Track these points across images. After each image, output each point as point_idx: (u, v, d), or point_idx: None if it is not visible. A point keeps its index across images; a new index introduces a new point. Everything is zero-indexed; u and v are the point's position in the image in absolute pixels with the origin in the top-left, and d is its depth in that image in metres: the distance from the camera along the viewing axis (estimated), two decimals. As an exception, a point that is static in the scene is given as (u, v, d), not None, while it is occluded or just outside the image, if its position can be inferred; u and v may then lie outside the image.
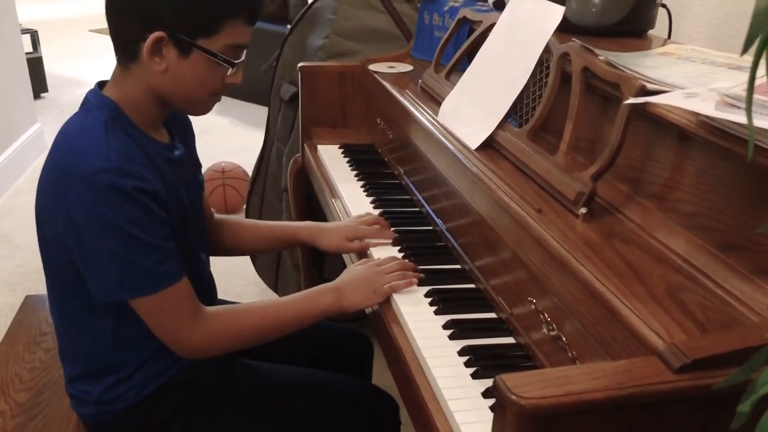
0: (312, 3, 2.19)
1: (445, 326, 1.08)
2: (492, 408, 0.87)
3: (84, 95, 1.08)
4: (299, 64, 1.89)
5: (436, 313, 1.12)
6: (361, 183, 1.63)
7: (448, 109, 1.43)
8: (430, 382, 0.98)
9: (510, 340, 1.07)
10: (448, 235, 1.34)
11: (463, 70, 1.44)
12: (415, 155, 1.53)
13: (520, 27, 1.32)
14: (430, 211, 1.45)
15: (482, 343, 1.05)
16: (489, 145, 1.28)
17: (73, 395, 1.16)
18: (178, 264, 1.03)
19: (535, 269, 1.00)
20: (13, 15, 3.54)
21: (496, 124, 1.27)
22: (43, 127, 3.79)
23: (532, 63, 1.24)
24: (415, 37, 1.94)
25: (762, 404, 0.47)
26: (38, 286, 2.51)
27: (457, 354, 1.02)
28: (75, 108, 1.07)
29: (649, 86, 1.00)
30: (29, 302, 1.60)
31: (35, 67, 4.35)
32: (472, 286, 1.21)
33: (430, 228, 1.42)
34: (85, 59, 5.72)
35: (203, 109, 1.11)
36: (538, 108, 1.20)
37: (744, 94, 0.67)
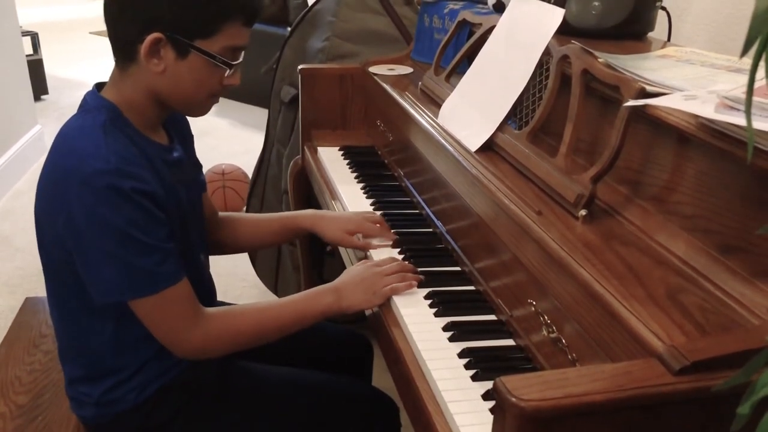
0: (312, 5, 2.19)
1: (445, 328, 1.08)
2: (492, 410, 0.87)
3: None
4: (299, 67, 1.89)
5: (436, 315, 1.12)
6: (361, 185, 1.63)
7: (448, 111, 1.43)
8: (429, 384, 0.98)
9: (510, 342, 1.07)
10: (448, 237, 1.34)
11: (463, 73, 1.44)
12: (415, 157, 1.53)
13: (519, 29, 1.32)
14: (430, 213, 1.45)
15: (482, 345, 1.05)
16: (489, 148, 1.28)
17: (73, 397, 1.15)
18: (178, 265, 1.03)
19: (534, 271, 1.00)
20: (14, 17, 3.54)
21: (496, 126, 1.27)
22: (43, 129, 3.79)
23: (531, 65, 1.24)
24: (415, 39, 1.95)
25: (762, 406, 0.47)
26: (38, 288, 2.51)
27: (456, 356, 1.02)
28: (75, 110, 1.08)
29: (649, 88, 1.00)
30: (29, 304, 1.60)
31: (35, 69, 4.36)
32: (472, 288, 1.21)
33: (430, 230, 1.42)
34: (85, 61, 5.73)
35: (201, 110, 1.11)
36: (538, 110, 1.20)
37: (743, 96, 0.67)
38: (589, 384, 0.69)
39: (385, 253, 1.31)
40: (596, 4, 1.36)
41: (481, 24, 1.50)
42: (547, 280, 0.96)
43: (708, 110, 0.83)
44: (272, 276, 2.39)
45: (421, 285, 1.20)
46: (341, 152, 1.83)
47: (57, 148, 1.03)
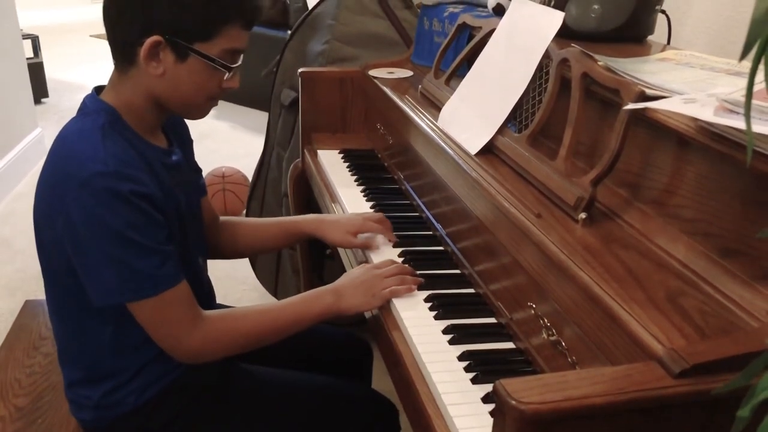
0: (312, 9, 2.20)
1: (445, 331, 1.08)
2: (492, 413, 0.87)
3: (83, 100, 1.08)
4: (299, 70, 1.90)
5: (436, 318, 1.12)
6: (361, 188, 1.63)
7: (448, 114, 1.44)
8: (429, 387, 0.98)
9: (510, 345, 1.07)
10: (448, 239, 1.34)
11: (463, 76, 1.45)
12: (415, 160, 1.53)
13: (519, 33, 1.32)
14: (430, 216, 1.45)
15: (482, 348, 1.05)
16: (489, 151, 1.28)
17: (73, 400, 1.15)
18: (177, 268, 1.03)
19: (534, 274, 1.00)
20: (14, 20, 3.55)
21: (496, 129, 1.27)
22: (43, 132, 3.79)
23: (531, 68, 1.24)
24: (415, 42, 1.95)
25: (762, 409, 0.47)
26: (38, 291, 2.50)
27: (456, 359, 1.02)
28: (75, 113, 1.08)
29: (649, 92, 1.00)
30: (29, 307, 1.59)
31: (36, 72, 4.36)
32: (472, 290, 1.21)
33: (430, 233, 1.42)
34: (85, 64, 5.73)
35: (200, 113, 1.11)
36: (538, 113, 1.20)
37: (743, 99, 0.67)
38: (589, 387, 0.69)
39: (386, 255, 1.31)
40: (596, 7, 1.36)
41: (480, 27, 1.50)
42: (547, 283, 0.96)
43: (707, 113, 0.84)
44: (272, 279, 2.39)
45: (421, 288, 1.20)
46: (341, 155, 1.83)
47: (56, 151, 1.03)
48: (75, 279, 1.02)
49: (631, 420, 0.70)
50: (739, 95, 0.84)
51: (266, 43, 3.73)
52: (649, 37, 1.45)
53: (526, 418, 0.66)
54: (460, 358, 1.02)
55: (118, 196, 0.95)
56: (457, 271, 1.27)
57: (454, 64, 1.55)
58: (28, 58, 3.83)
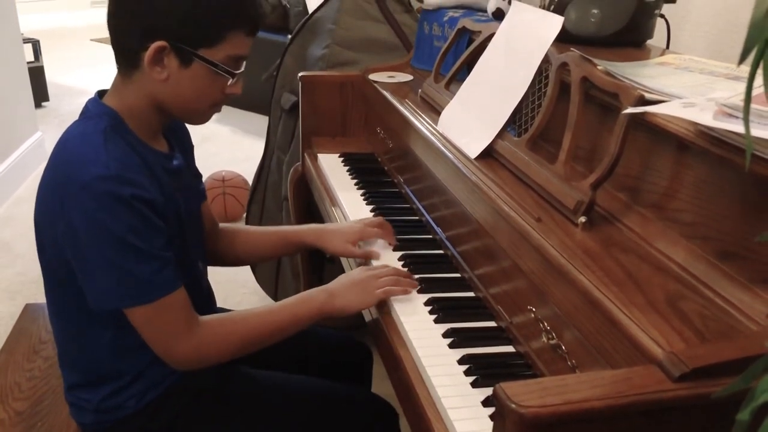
0: (312, 13, 2.20)
1: (445, 335, 1.08)
2: (492, 417, 0.87)
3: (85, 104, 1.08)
4: (300, 74, 1.90)
5: (436, 321, 1.12)
6: (361, 192, 1.63)
7: (448, 118, 1.44)
8: (429, 390, 0.98)
9: (510, 348, 1.07)
10: (448, 243, 1.35)
11: (463, 80, 1.45)
12: (415, 164, 1.53)
13: (519, 37, 1.32)
14: (430, 220, 1.45)
15: (482, 351, 1.05)
16: (488, 154, 1.28)
17: (73, 403, 1.15)
18: (176, 273, 1.03)
19: (534, 278, 1.00)
20: (15, 24, 3.55)
21: (496, 133, 1.27)
22: (43, 136, 3.80)
23: (531, 73, 1.24)
24: (415, 46, 1.95)
25: (762, 412, 0.47)
26: (38, 294, 2.50)
27: (456, 363, 1.02)
28: (76, 117, 1.08)
29: (648, 96, 1.00)
30: (29, 311, 1.59)
31: (36, 76, 4.37)
32: (472, 294, 1.21)
33: (430, 236, 1.42)
34: (86, 68, 5.74)
35: (202, 118, 1.11)
36: (537, 117, 1.20)
37: (742, 103, 0.67)
38: (589, 390, 0.69)
39: (386, 258, 1.31)
40: (595, 11, 1.37)
41: (480, 31, 1.50)
42: (547, 286, 0.97)
43: (706, 118, 0.84)
44: (272, 283, 2.39)
45: (420, 291, 1.20)
46: (341, 159, 1.83)
47: (57, 155, 1.03)
48: (75, 282, 1.02)
49: (631, 424, 0.70)
50: (738, 99, 0.84)
51: (266, 48, 3.73)
52: (648, 42, 1.46)
53: (526, 421, 0.66)
54: (460, 361, 1.02)
55: (119, 200, 0.95)
56: (457, 275, 1.27)
57: (453, 69, 1.55)
58: (28, 62, 3.84)
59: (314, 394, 1.24)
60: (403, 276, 1.21)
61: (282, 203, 2.24)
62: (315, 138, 1.93)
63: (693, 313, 0.81)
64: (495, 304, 1.14)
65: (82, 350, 1.11)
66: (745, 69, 0.81)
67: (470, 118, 1.37)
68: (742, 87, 0.99)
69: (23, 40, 3.80)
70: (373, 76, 1.86)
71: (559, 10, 1.37)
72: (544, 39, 1.23)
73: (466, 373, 1.00)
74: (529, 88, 1.25)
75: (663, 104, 0.95)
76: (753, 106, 0.80)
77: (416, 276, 1.24)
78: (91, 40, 6.89)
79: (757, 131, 0.77)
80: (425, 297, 1.18)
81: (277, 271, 2.36)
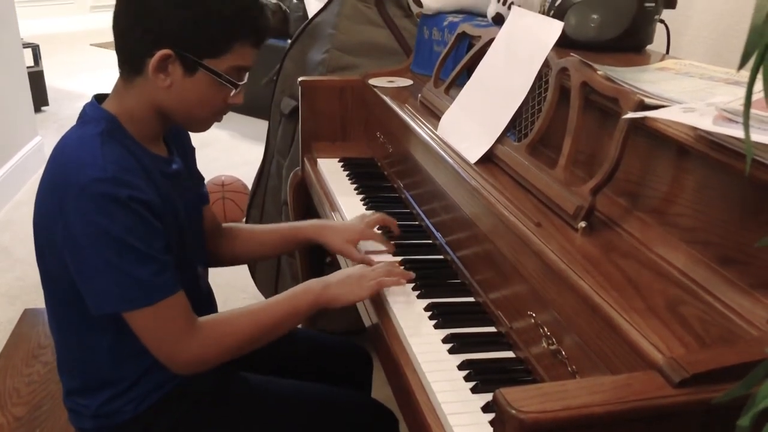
0: (312, 18, 2.20)
1: (445, 340, 1.08)
2: (492, 422, 0.87)
3: (83, 109, 1.08)
4: (299, 79, 1.90)
5: (436, 326, 1.12)
6: (361, 196, 1.63)
7: (448, 123, 1.44)
8: (429, 396, 0.98)
9: (510, 354, 1.07)
10: (448, 248, 1.34)
11: (463, 85, 1.45)
12: (415, 169, 1.53)
13: (519, 42, 1.32)
14: (430, 225, 1.45)
15: (482, 357, 1.04)
16: (488, 159, 1.28)
17: (72, 409, 1.15)
18: (174, 277, 1.03)
19: (534, 283, 1.00)
20: (15, 29, 3.56)
21: (495, 138, 1.27)
22: (43, 141, 3.80)
23: (531, 78, 1.24)
24: (415, 51, 1.96)
25: (762, 418, 0.47)
26: (37, 299, 2.50)
27: (456, 368, 1.02)
28: (75, 121, 1.08)
29: (648, 101, 1.00)
30: (28, 315, 1.59)
31: (36, 80, 4.37)
32: (472, 299, 1.21)
33: (430, 241, 1.42)
34: (85, 73, 5.74)
35: (203, 126, 1.12)
36: (537, 122, 1.20)
37: (742, 108, 0.67)
38: (589, 396, 0.69)
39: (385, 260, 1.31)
40: (595, 17, 1.37)
41: (480, 36, 1.50)
42: (547, 292, 0.96)
43: (706, 123, 0.84)
44: (272, 287, 2.38)
45: (420, 296, 1.20)
46: (341, 164, 1.83)
47: (55, 159, 1.03)
48: (74, 287, 1.02)
49: (631, 429, 0.70)
50: (738, 104, 0.84)
51: (266, 52, 3.74)
52: (648, 47, 1.46)
53: (526, 427, 0.66)
54: (460, 367, 1.02)
55: (116, 202, 0.95)
56: (457, 280, 1.27)
57: (453, 73, 1.55)
58: (28, 67, 3.84)
59: (314, 400, 1.24)
60: (396, 269, 1.21)
61: (281, 208, 2.24)
62: (315, 142, 1.93)
63: (693, 319, 0.81)
64: (495, 309, 1.14)
65: (81, 355, 1.11)
66: (745, 74, 0.81)
67: (470, 123, 1.37)
68: (742, 92, 0.99)
69: (23, 44, 3.81)
70: (372, 81, 1.86)
71: (558, 15, 1.37)
72: (544, 44, 1.23)
73: (466, 378, 0.99)
74: (529, 93, 1.25)
75: (663, 109, 0.95)
76: (753, 111, 0.80)
77: (416, 281, 1.24)
78: (91, 44, 6.90)
79: (757, 136, 0.77)
80: (425, 302, 1.18)
81: (276, 275, 2.36)
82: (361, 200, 1.61)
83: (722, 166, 0.86)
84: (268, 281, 2.41)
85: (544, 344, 0.97)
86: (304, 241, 1.40)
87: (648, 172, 1.03)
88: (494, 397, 0.69)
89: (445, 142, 1.40)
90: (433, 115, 1.53)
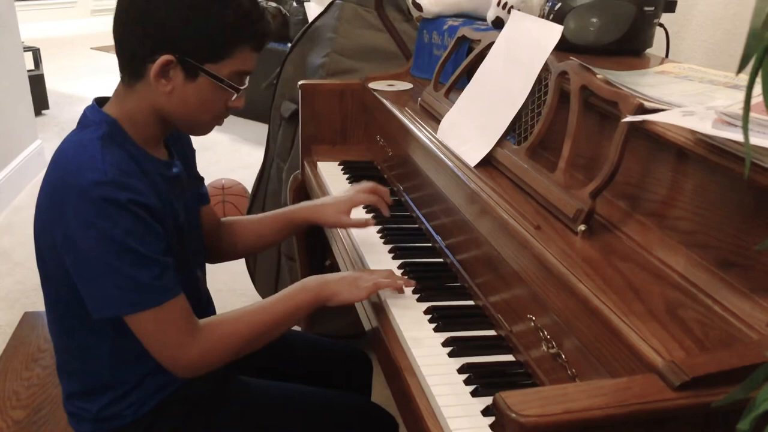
0: (312, 21, 2.21)
1: (445, 344, 1.08)
2: (492, 426, 0.87)
3: (84, 112, 1.08)
4: (300, 82, 1.90)
5: (436, 330, 1.12)
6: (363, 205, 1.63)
7: (447, 126, 1.44)
8: (429, 399, 0.98)
9: (509, 357, 1.07)
10: (448, 251, 1.34)
11: (462, 89, 1.45)
12: (415, 172, 1.54)
13: (518, 46, 1.33)
14: (430, 228, 1.45)
15: (482, 360, 1.04)
16: (488, 163, 1.28)
17: (71, 412, 1.15)
18: (175, 280, 1.03)
19: (534, 286, 1.00)
20: (16, 32, 3.56)
21: (495, 141, 1.28)
22: (43, 144, 3.80)
23: (530, 81, 1.24)
24: (415, 55, 1.96)
25: (762, 421, 0.47)
26: (37, 303, 2.50)
27: (456, 372, 1.02)
28: (76, 125, 1.08)
29: (647, 104, 1.00)
30: (28, 319, 1.59)
31: (37, 84, 4.38)
32: (472, 303, 1.21)
33: (430, 245, 1.42)
34: (86, 77, 5.75)
35: (204, 130, 1.12)
36: (537, 126, 1.21)
37: (741, 112, 0.67)
38: (589, 399, 0.69)
39: (385, 266, 1.31)
40: (594, 20, 1.37)
41: (480, 40, 1.50)
42: (547, 295, 0.96)
43: (706, 126, 0.84)
44: (271, 290, 2.39)
45: (420, 300, 1.20)
46: (341, 167, 1.83)
47: (55, 163, 1.03)
48: (74, 291, 1.02)
49: (631, 433, 0.70)
50: (738, 108, 0.84)
51: (266, 56, 3.74)
52: (648, 51, 1.46)
53: (526, 430, 0.66)
54: (460, 370, 1.02)
55: (116, 205, 0.95)
56: (457, 283, 1.27)
57: (453, 77, 1.55)
58: (29, 70, 3.85)
59: (314, 403, 1.24)
60: (398, 277, 1.21)
61: (281, 211, 2.24)
62: (315, 146, 1.93)
63: (693, 322, 0.81)
64: (495, 313, 1.14)
65: (80, 359, 1.10)
66: (744, 77, 0.81)
67: (470, 127, 1.37)
68: (741, 95, 1.00)
69: (24, 48, 3.81)
70: (372, 85, 1.87)
71: (558, 19, 1.38)
72: (543, 48, 1.23)
73: (466, 382, 0.99)
74: (528, 96, 1.25)
75: (662, 113, 0.95)
76: (752, 114, 0.80)
77: (416, 284, 1.24)
78: (92, 48, 6.91)
79: (756, 140, 0.77)
80: (425, 306, 1.18)
81: (276, 279, 2.36)
82: (363, 207, 1.61)
83: (722, 170, 0.86)
84: (268, 285, 2.41)
85: (544, 348, 0.97)
86: (301, 223, 1.42)
87: (648, 176, 1.03)
88: (494, 400, 0.69)
89: (444, 146, 1.40)
90: (433, 119, 1.54)
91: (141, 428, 1.11)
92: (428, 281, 1.26)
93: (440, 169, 1.37)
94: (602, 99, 1.08)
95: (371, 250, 1.39)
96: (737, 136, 0.79)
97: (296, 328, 2.03)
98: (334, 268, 1.70)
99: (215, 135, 4.52)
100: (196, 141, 1.26)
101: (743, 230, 0.86)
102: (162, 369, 1.07)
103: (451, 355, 1.06)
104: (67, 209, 0.96)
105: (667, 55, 1.51)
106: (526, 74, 1.26)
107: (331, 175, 1.78)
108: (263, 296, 2.43)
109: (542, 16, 1.43)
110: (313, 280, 1.17)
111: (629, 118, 0.98)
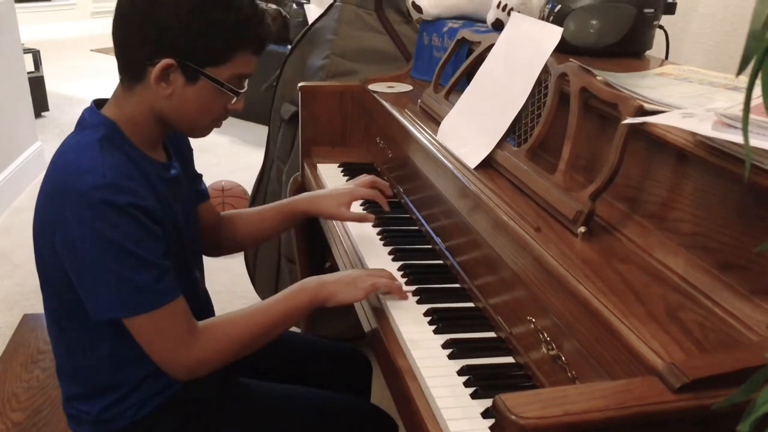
0: (312, 23, 2.21)
1: (445, 345, 1.08)
2: (491, 428, 0.86)
3: (82, 114, 1.08)
4: (300, 84, 1.90)
5: (436, 332, 1.12)
6: (360, 201, 1.63)
7: (447, 128, 1.44)
8: (429, 401, 0.98)
9: (509, 359, 1.06)
10: (448, 253, 1.34)
11: (462, 90, 1.45)
12: (415, 174, 1.54)
13: (518, 47, 1.33)
14: (430, 230, 1.45)
15: (481, 362, 1.04)
16: (488, 164, 1.28)
17: (71, 414, 1.15)
18: (174, 282, 1.03)
19: (534, 288, 1.00)
20: (16, 34, 3.57)
21: (495, 143, 1.28)
22: (43, 146, 3.80)
23: (530, 83, 1.24)
24: (415, 57, 1.96)
25: (762, 424, 0.47)
26: (36, 305, 2.50)
27: (456, 374, 1.02)
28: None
29: (647, 106, 1.00)
30: (27, 321, 1.59)
31: (37, 86, 4.38)
32: (472, 305, 1.21)
33: (430, 246, 1.42)
34: (86, 78, 5.75)
35: (203, 132, 1.12)
36: (537, 127, 1.21)
37: (741, 114, 0.67)
38: (589, 402, 0.69)
39: (385, 267, 1.31)
40: (594, 22, 1.37)
41: (479, 42, 1.51)
42: (547, 297, 0.96)
43: (706, 128, 0.84)
44: (271, 292, 2.38)
45: (420, 302, 1.20)
46: (341, 169, 1.83)
47: (54, 165, 1.03)
48: (73, 293, 1.01)
49: (631, 435, 0.70)
50: (737, 110, 0.84)
51: (266, 58, 3.74)
52: (648, 53, 1.46)
53: (526, 433, 0.65)
54: (460, 372, 1.02)
55: (116, 208, 0.95)
56: (457, 285, 1.27)
57: (453, 79, 1.56)
58: (29, 72, 3.85)
59: (313, 405, 1.24)
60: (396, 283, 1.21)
61: (281, 213, 2.24)
62: (314, 148, 1.93)
63: (693, 324, 0.81)
64: (494, 315, 1.14)
65: (80, 361, 1.10)
66: (744, 79, 0.81)
67: (470, 128, 1.37)
68: (741, 97, 1.00)
69: (23, 50, 3.81)
70: (372, 87, 1.87)
71: (558, 21, 1.38)
72: (543, 49, 1.24)
73: (466, 384, 0.99)
74: (528, 98, 1.25)
75: (662, 114, 0.95)
76: (752, 116, 0.80)
77: (415, 286, 1.24)
78: (92, 50, 6.91)
79: (756, 141, 0.77)
80: (424, 307, 1.18)
81: (276, 280, 2.36)
82: (360, 205, 1.61)
83: (721, 172, 0.86)
84: (268, 287, 2.41)
85: (544, 350, 0.97)
86: (300, 214, 1.42)
87: (647, 178, 1.03)
88: (494, 402, 0.69)
89: (444, 147, 1.40)
90: (433, 121, 1.54)
91: (141, 430, 1.11)
92: (428, 283, 1.26)
93: (440, 170, 1.37)
94: (602, 101, 1.08)
95: (371, 251, 1.38)
96: (737, 137, 0.79)
97: (296, 329, 2.03)
98: (334, 269, 1.70)
99: (215, 137, 4.52)
100: (196, 143, 1.26)
101: (743, 232, 0.85)
102: (162, 371, 1.07)
103: (450, 356, 1.06)
104: (67, 212, 0.96)
105: (666, 57, 1.51)
106: (526, 76, 1.26)
107: (331, 176, 1.78)
108: (263, 298, 2.42)
109: (542, 18, 1.44)
110: (311, 281, 1.17)
111: (629, 120, 0.98)
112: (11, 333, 1.56)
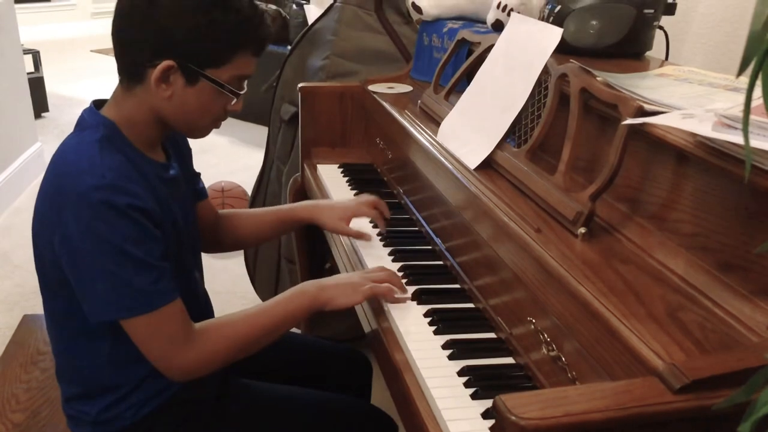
0: (312, 24, 2.21)
1: (445, 346, 1.08)
2: (491, 429, 0.87)
3: (82, 115, 1.08)
4: (299, 85, 1.90)
5: (436, 333, 1.12)
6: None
7: (447, 129, 1.44)
8: (429, 402, 0.98)
9: (510, 360, 1.06)
10: (448, 254, 1.34)
11: (462, 91, 1.45)
12: (415, 175, 1.54)
13: (518, 48, 1.33)
14: (430, 231, 1.45)
15: (482, 363, 1.04)
16: (488, 165, 1.28)
17: (71, 415, 1.15)
18: (172, 284, 1.02)
19: (534, 289, 1.00)
20: (16, 35, 3.56)
21: (495, 144, 1.28)
22: (43, 147, 3.80)
23: (530, 84, 1.24)
24: (415, 58, 1.96)
25: (762, 424, 0.47)
26: (36, 305, 2.50)
27: (456, 374, 1.02)
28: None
29: (647, 107, 1.00)
30: (26, 322, 1.59)
31: (36, 86, 4.38)
32: (472, 305, 1.21)
33: (430, 247, 1.42)
34: (86, 79, 5.75)
35: (203, 133, 1.12)
36: (537, 128, 1.21)
37: (741, 115, 0.67)
38: (589, 402, 0.69)
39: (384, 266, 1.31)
40: (594, 23, 1.37)
41: (479, 43, 1.51)
42: (547, 297, 0.96)
43: (706, 129, 0.84)
44: (271, 293, 2.38)
45: (420, 303, 1.20)
46: (341, 169, 1.83)
47: (53, 165, 1.03)
48: (73, 294, 1.01)
49: (632, 436, 0.70)
50: (737, 110, 0.84)
51: (266, 58, 3.74)
52: (648, 53, 1.46)
53: (526, 433, 0.65)
54: (460, 373, 1.02)
55: (115, 209, 0.95)
56: (457, 286, 1.27)
57: (453, 80, 1.56)
58: (28, 73, 3.85)
59: (313, 406, 1.24)
60: (395, 281, 1.21)
61: (281, 214, 2.24)
62: (314, 148, 1.93)
63: (693, 325, 0.81)
64: (495, 315, 1.14)
65: (80, 362, 1.10)
66: (744, 80, 0.81)
67: (470, 129, 1.37)
68: (741, 98, 1.00)
69: (23, 50, 3.81)
70: (372, 87, 1.87)
71: (558, 21, 1.38)
72: (543, 50, 1.24)
73: (466, 384, 0.99)
74: (528, 99, 1.25)
75: (662, 115, 0.95)
76: (752, 117, 0.80)
77: (416, 287, 1.24)
78: (91, 51, 6.91)
79: (756, 142, 0.77)
80: (425, 308, 1.18)
81: (276, 282, 2.36)
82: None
83: (722, 172, 0.86)
84: (268, 288, 2.41)
85: (544, 350, 0.97)
86: (300, 221, 1.43)
87: (647, 178, 1.03)
88: (494, 403, 0.69)
89: (444, 148, 1.40)
90: (433, 121, 1.54)
91: (140, 430, 1.11)
92: (428, 284, 1.26)
93: (440, 171, 1.37)
94: (602, 102, 1.08)
95: (371, 252, 1.38)
96: (737, 138, 0.79)
97: (296, 330, 2.03)
98: (334, 271, 1.70)
99: (215, 137, 4.52)
100: (196, 143, 1.26)
101: (743, 233, 0.86)
102: (162, 373, 1.07)
103: (451, 357, 1.06)
104: (66, 212, 0.96)
105: (666, 58, 1.52)
106: (526, 77, 1.26)
107: (331, 177, 1.78)
108: (263, 299, 2.43)
109: (542, 19, 1.43)
110: (310, 285, 1.17)
111: (629, 121, 0.98)
112: (11, 334, 1.55)
